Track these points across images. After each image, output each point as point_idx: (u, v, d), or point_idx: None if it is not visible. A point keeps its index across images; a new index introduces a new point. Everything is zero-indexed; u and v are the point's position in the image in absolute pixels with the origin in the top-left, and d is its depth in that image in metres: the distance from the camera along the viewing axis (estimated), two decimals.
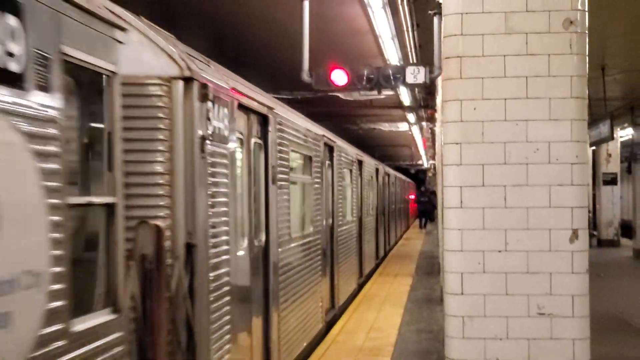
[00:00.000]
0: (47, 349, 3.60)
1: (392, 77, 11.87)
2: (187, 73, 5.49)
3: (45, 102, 3.67)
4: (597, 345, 7.06)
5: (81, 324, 4.03)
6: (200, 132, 5.64)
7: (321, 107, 21.35)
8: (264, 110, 7.98)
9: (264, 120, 8.04)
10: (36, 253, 3.52)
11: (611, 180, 28.80)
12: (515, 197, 6.76)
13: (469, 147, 6.82)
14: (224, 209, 6.29)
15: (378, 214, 22.55)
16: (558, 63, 6.78)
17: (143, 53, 5.36)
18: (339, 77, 11.74)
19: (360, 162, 17.74)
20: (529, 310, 6.73)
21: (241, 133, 7.11)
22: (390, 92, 17.46)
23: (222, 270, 6.23)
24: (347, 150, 15.54)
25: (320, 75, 11.71)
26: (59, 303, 3.70)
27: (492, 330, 6.75)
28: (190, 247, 5.52)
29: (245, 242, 7.25)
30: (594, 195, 29.94)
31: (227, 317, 6.32)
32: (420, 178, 62.29)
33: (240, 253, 7.06)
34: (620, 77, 18.93)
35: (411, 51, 15.71)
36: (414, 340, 11.40)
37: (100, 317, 4.34)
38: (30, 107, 3.53)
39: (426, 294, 16.06)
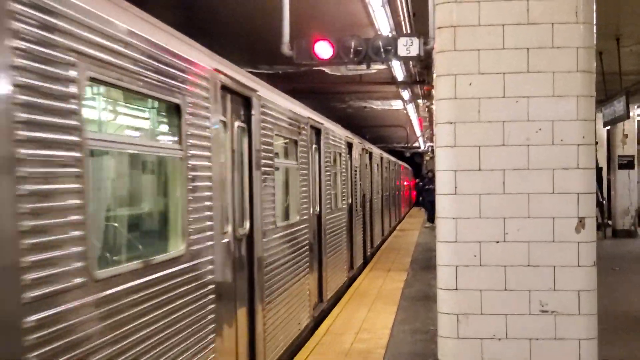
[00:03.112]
0: None
1: (382, 50, 11.90)
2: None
3: None
4: (609, 346, 7.14)
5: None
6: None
7: (305, 83, 21.34)
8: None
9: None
10: None
11: (628, 164, 28.87)
12: (515, 182, 6.80)
13: (464, 126, 6.85)
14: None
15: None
16: (563, 33, 6.81)
17: None
18: (324, 49, 11.74)
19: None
20: (530, 307, 6.78)
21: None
22: (381, 66, 17.41)
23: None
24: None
25: (302, 47, 11.72)
26: None
27: (490, 329, 6.80)
28: None
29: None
30: (609, 181, 30.05)
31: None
32: (417, 162, 62.41)
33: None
34: (637, 49, 18.97)
35: (404, 20, 15.69)
36: (408, 342, 11.45)
37: None
38: None
39: (422, 291, 16.12)
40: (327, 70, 17.36)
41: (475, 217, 6.83)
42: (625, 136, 29.07)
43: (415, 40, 11.81)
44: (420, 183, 47.48)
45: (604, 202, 28.97)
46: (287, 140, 11.12)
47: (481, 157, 6.83)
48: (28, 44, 3.95)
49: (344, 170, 16.87)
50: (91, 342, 4.48)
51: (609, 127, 27.64)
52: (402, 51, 11.82)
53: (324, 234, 13.86)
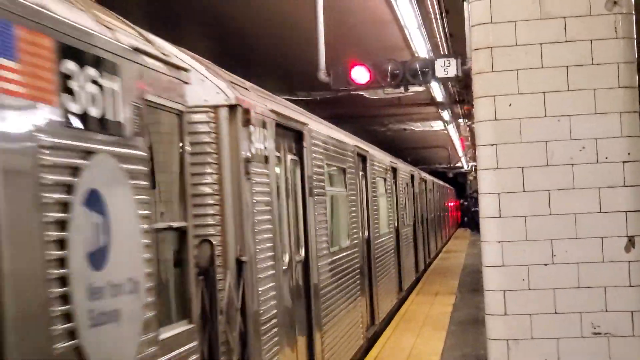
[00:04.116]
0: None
1: (419, 72, 11.89)
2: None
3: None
4: None
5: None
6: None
7: (343, 108, 21.36)
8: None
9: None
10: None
11: None
12: (561, 202, 6.71)
13: (506, 148, 6.79)
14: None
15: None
16: (602, 49, 6.73)
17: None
18: (360, 74, 11.77)
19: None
20: (582, 330, 6.67)
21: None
22: (419, 88, 17.40)
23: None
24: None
25: (338, 73, 11.75)
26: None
27: (541, 353, 6.69)
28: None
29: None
30: None
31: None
32: (460, 182, 62.05)
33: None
34: None
35: (441, 41, 15.69)
36: None
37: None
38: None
39: (471, 315, 15.97)
40: (365, 94, 17.36)
41: (522, 239, 6.74)
42: None
43: (453, 61, 11.79)
44: (465, 203, 47.19)
45: None
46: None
47: (525, 178, 6.75)
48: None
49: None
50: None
51: None
52: (439, 72, 11.81)
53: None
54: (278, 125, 7.98)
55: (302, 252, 8.98)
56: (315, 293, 9.27)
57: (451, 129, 31.33)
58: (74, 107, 4.15)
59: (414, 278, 21.82)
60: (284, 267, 8.09)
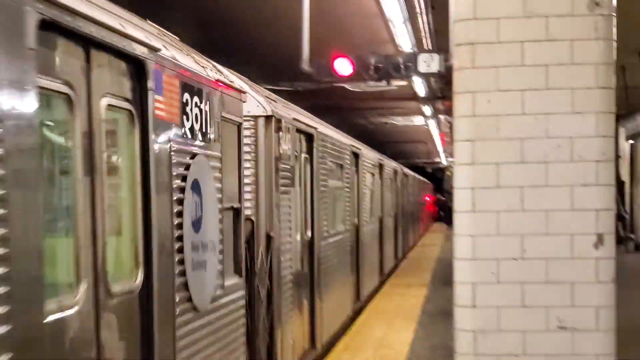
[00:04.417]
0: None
1: (402, 66, 12.00)
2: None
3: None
4: None
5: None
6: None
7: (325, 99, 21.39)
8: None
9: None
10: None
11: None
12: (534, 199, 6.82)
13: (483, 144, 6.89)
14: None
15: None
16: (582, 49, 6.82)
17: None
18: (343, 66, 11.87)
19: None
20: (548, 323, 6.79)
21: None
22: (402, 83, 17.49)
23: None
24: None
25: (322, 64, 11.85)
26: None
27: (508, 346, 6.81)
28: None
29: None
30: (631, 194, 29.92)
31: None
32: (438, 177, 62.25)
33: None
34: None
35: (425, 37, 15.75)
36: (428, 358, 11.48)
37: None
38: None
39: (442, 307, 16.07)
40: (347, 86, 17.43)
41: (493, 234, 6.85)
42: None
43: (436, 57, 11.89)
44: (443, 198, 47.33)
45: (627, 216, 28.81)
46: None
47: (500, 174, 6.85)
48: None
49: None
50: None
51: (632, 142, 27.54)
52: (422, 67, 11.91)
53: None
54: (297, 129, 9.96)
55: (309, 232, 11.06)
56: (318, 266, 11.35)
57: (432, 125, 31.47)
58: (187, 124, 6.02)
59: (393, 264, 23.40)
60: (297, 243, 10.23)
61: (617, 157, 27.21)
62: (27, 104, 3.61)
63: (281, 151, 8.92)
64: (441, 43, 14.78)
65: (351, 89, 18.23)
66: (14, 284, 3.42)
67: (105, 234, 4.59)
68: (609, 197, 6.91)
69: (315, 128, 11.22)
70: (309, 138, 10.97)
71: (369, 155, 18.20)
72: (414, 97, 23.29)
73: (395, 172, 25.27)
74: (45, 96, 3.97)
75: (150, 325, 5.18)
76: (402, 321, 14.56)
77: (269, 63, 17.46)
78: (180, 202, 5.78)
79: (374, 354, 11.73)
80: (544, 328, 6.78)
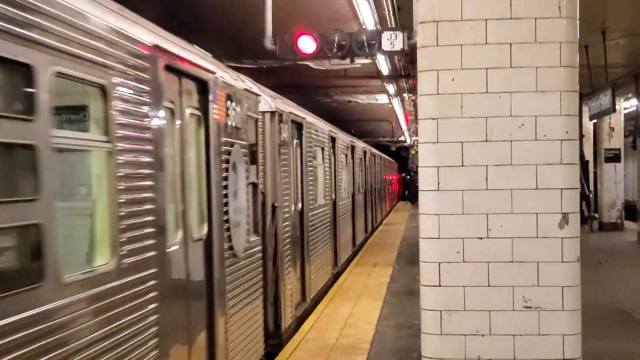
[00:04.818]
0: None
1: (366, 44, 11.88)
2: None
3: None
4: (595, 340, 7.16)
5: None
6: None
7: (289, 77, 21.26)
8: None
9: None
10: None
11: (614, 157, 28.97)
12: (498, 178, 6.81)
13: (447, 122, 6.86)
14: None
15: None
16: (546, 28, 6.81)
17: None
18: (307, 43, 11.73)
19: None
20: (514, 303, 6.80)
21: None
22: (366, 61, 17.38)
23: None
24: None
25: (285, 42, 11.70)
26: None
27: (473, 325, 6.81)
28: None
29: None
30: (595, 174, 30.17)
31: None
32: (403, 156, 62.44)
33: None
34: (623, 42, 18.99)
35: (389, 14, 15.66)
36: (393, 337, 11.48)
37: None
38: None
39: (407, 286, 16.14)
40: (311, 64, 17.30)
41: (458, 213, 6.83)
42: (612, 129, 29.14)
43: (400, 35, 11.79)
44: (408, 177, 47.50)
45: (591, 195, 29.07)
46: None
47: (464, 153, 6.83)
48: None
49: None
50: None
51: (595, 121, 27.71)
52: (386, 45, 11.80)
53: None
54: (292, 121, 12.05)
55: (300, 204, 13.10)
56: (307, 233, 13.47)
57: (396, 103, 31.41)
58: (229, 122, 7.85)
59: (363, 237, 25.59)
60: (292, 213, 12.27)
61: (581, 136, 27.60)
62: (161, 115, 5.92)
63: (282, 139, 11.06)
64: (404, 21, 14.75)
65: (315, 67, 18.13)
66: (157, 229, 5.66)
67: (189, 201, 6.71)
68: (574, 176, 6.91)
69: (304, 118, 13.49)
70: (299, 127, 13.11)
71: (343, 138, 20.77)
72: (378, 75, 23.21)
73: (365, 152, 27.30)
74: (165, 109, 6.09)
75: (211, 261, 7.18)
76: (369, 300, 14.56)
77: (232, 41, 17.29)
78: (226, 178, 7.69)
79: (339, 334, 11.71)
80: (510, 307, 6.79)
